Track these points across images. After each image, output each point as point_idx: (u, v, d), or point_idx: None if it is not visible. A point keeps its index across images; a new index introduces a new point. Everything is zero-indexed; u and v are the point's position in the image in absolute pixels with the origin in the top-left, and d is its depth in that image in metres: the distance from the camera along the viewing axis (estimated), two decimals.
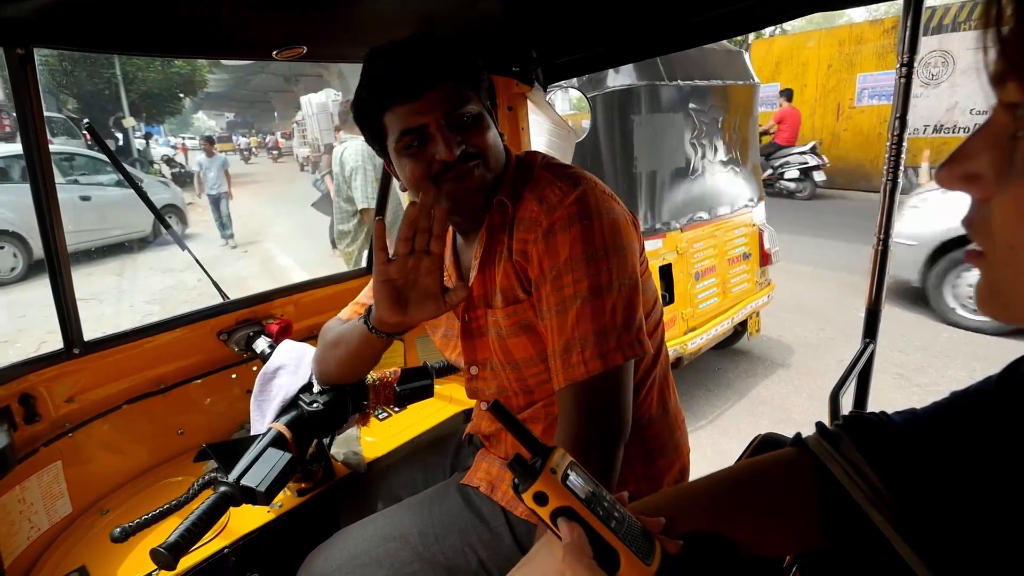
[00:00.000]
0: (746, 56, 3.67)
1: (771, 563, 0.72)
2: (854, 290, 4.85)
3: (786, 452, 0.60)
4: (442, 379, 1.35)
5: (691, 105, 3.12)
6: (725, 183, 3.41)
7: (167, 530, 0.84)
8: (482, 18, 1.21)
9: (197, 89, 22.56)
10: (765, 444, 0.91)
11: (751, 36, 11.22)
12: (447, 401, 1.61)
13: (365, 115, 0.88)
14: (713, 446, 2.78)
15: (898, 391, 3.27)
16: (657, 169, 3.04)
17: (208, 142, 9.54)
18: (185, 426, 1.41)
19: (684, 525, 0.55)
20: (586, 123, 3.10)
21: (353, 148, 3.58)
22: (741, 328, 3.59)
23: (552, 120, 1.60)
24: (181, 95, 21.86)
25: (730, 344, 3.85)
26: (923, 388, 3.28)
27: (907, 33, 1.00)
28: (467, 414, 1.57)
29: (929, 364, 3.58)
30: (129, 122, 15.97)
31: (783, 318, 4.40)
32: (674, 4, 1.17)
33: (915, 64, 1.02)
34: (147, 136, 21.04)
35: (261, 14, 0.99)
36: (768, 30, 11.14)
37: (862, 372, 1.16)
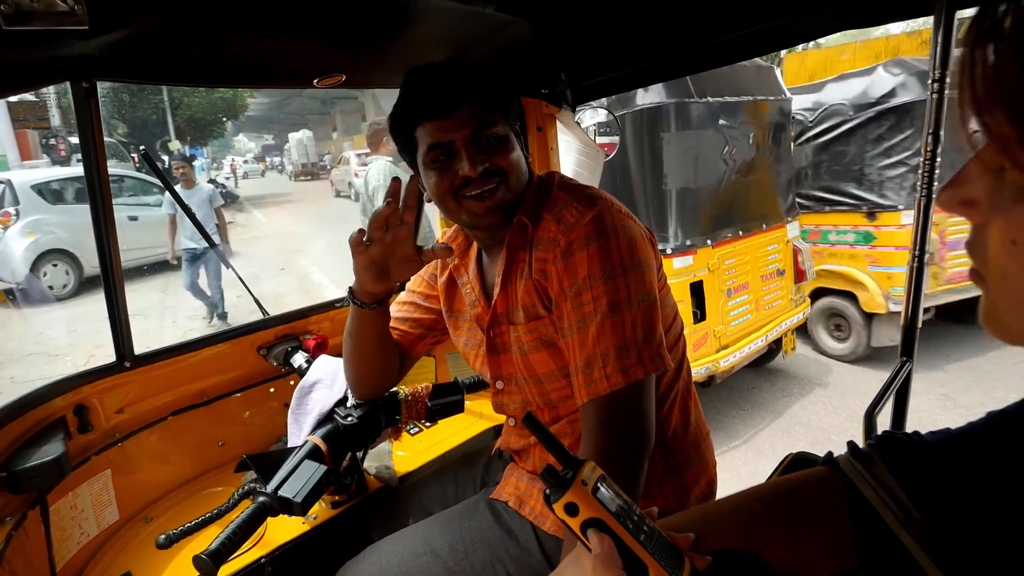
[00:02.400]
0: (777, 72, 3.66)
1: None
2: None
3: (817, 471, 0.60)
4: (472, 395, 1.37)
5: (721, 121, 3.11)
6: (757, 199, 3.38)
7: (208, 538, 0.87)
8: (513, 43, 1.25)
9: (239, 113, 23.46)
10: (796, 463, 0.90)
11: (784, 51, 11.08)
12: (477, 417, 1.63)
13: (399, 129, 0.94)
14: (747, 466, 2.72)
15: (942, 412, 3.15)
16: (687, 186, 3.03)
17: (186, 163, 5.86)
18: (226, 438, 1.46)
19: (713, 542, 0.55)
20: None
21: (377, 168, 3.64)
22: (776, 346, 3.53)
23: (580, 140, 1.63)
24: (224, 119, 22.75)
25: (765, 362, 3.78)
26: (969, 409, 3.15)
27: (938, 48, 0.99)
28: (497, 430, 1.58)
29: (975, 384, 3.44)
30: (175, 145, 16.71)
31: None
32: (700, 25, 1.19)
33: (947, 80, 1.01)
34: (191, 158, 21.91)
35: (304, 45, 1.05)
36: (801, 44, 10.99)
37: (899, 391, 1.13)
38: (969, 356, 3.78)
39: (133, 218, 8.71)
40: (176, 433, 1.37)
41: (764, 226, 3.36)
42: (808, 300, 3.67)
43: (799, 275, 3.51)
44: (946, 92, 1.02)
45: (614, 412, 0.81)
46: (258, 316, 1.54)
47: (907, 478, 0.52)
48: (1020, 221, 0.26)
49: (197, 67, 1.10)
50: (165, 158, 17.25)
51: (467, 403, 1.34)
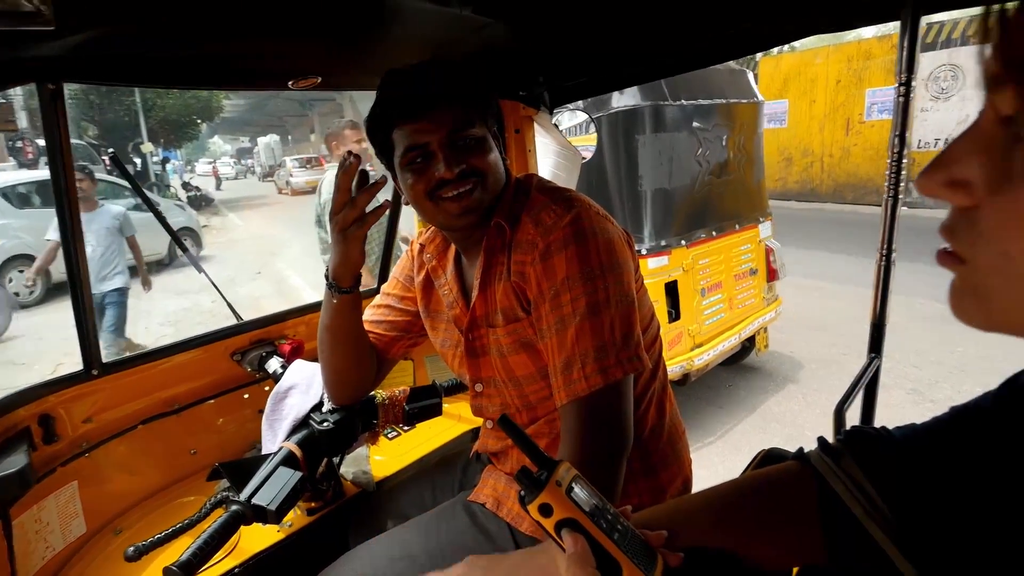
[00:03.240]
0: (750, 75, 3.73)
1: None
2: (864, 304, 4.80)
3: (788, 466, 0.61)
4: (451, 398, 1.36)
5: (695, 124, 3.17)
6: (730, 200, 3.45)
7: (180, 549, 0.85)
8: (490, 44, 1.24)
9: (214, 115, 23.07)
10: (769, 459, 0.91)
11: (759, 54, 11.29)
12: (456, 420, 1.62)
13: (376, 131, 0.94)
14: (724, 463, 2.75)
15: (912, 407, 3.23)
16: (662, 187, 3.08)
17: (87, 177, 4.04)
18: (198, 446, 1.43)
19: (686, 536, 0.55)
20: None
21: (330, 178, 3.20)
22: (749, 344, 3.60)
23: (558, 142, 1.63)
24: (198, 121, 22.36)
25: (739, 360, 3.85)
26: (937, 403, 3.23)
27: (904, 53, 1.01)
28: (475, 433, 1.57)
29: (943, 379, 3.53)
30: (147, 148, 16.34)
31: (794, 333, 4.36)
32: (676, 29, 1.20)
33: (913, 84, 1.03)
34: (164, 161, 21.52)
35: (279, 47, 1.04)
36: (776, 48, 11.22)
37: (868, 387, 1.15)
38: (937, 352, 3.87)
39: None
40: (146, 442, 1.34)
41: (737, 226, 3.43)
42: (780, 299, 3.74)
43: (771, 274, 3.60)
44: (912, 95, 1.04)
45: (593, 412, 0.81)
46: (232, 321, 1.51)
47: (875, 472, 0.53)
48: None
49: (168, 69, 1.08)
50: (137, 161, 16.93)
51: (445, 406, 1.33)
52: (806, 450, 0.62)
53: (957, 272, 0.31)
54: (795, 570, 0.76)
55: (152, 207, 1.51)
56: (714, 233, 3.28)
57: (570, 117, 3.16)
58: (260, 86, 1.28)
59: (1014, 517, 0.42)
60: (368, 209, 0.95)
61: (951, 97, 8.64)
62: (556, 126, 1.68)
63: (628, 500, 0.97)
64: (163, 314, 6.72)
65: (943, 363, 3.73)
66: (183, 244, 1.54)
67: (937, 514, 0.48)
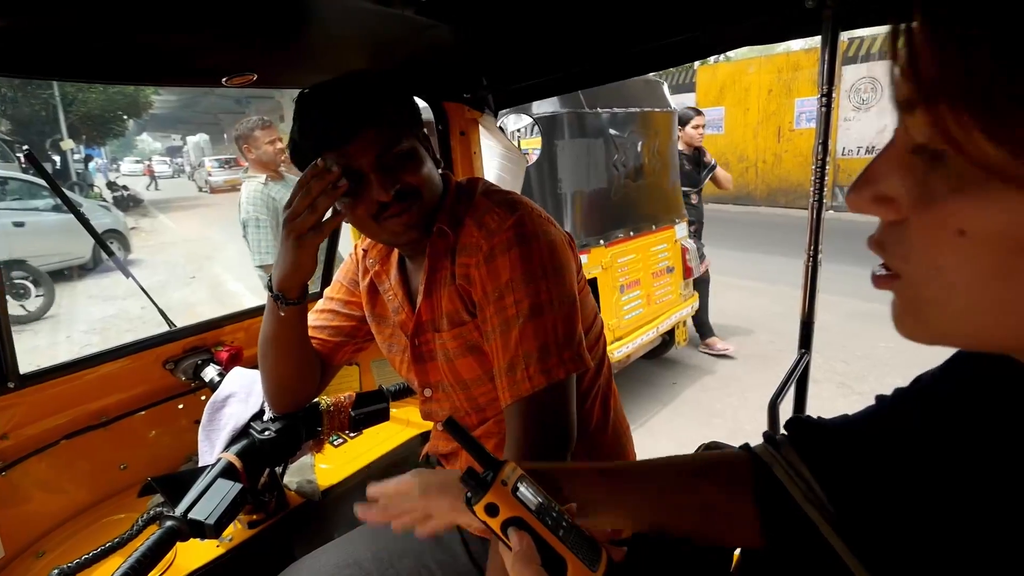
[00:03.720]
0: (664, 86, 4.01)
1: (715, 566, 0.75)
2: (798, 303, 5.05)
3: (729, 452, 0.64)
4: (398, 402, 1.34)
5: (611, 131, 3.38)
6: (646, 203, 3.69)
7: (110, 569, 0.81)
8: (432, 46, 1.24)
9: (142, 111, 21.87)
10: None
11: (696, 63, 11.72)
12: (404, 424, 1.60)
13: (301, 158, 0.90)
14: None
15: (842, 399, 3.43)
16: (580, 190, 3.25)
17: None
18: (128, 460, 1.36)
19: (629, 502, 0.59)
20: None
21: (247, 193, 2.78)
22: (669, 337, 3.86)
23: (503, 145, 1.64)
24: (124, 117, 21.14)
25: (660, 353, 4.09)
26: (864, 395, 3.44)
27: (825, 66, 1.08)
28: (424, 436, 1.56)
29: (869, 372, 3.76)
30: (67, 144, 15.31)
31: (733, 331, 4.55)
32: (618, 35, 1.23)
33: (834, 94, 1.10)
34: (87, 159, 20.26)
35: (212, 42, 1.00)
36: (712, 57, 11.67)
37: (800, 381, 1.22)
38: (862, 347, 4.12)
39: (19, 224, 7.94)
40: (70, 458, 1.26)
41: (654, 227, 3.65)
42: (696, 294, 4.01)
43: (687, 272, 3.86)
44: (833, 105, 1.11)
45: (537, 412, 0.82)
46: (164, 328, 1.44)
47: (812, 458, 0.56)
48: (969, 209, 0.26)
49: (89, 62, 1.01)
50: (57, 158, 15.84)
51: (393, 411, 1.31)
52: (744, 440, 0.65)
53: (894, 290, 0.31)
54: (735, 555, 0.79)
55: (72, 208, 1.42)
56: (631, 233, 3.48)
57: (515, 120, 3.21)
58: (192, 82, 1.22)
59: (936, 497, 0.45)
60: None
61: (871, 108, 9.23)
62: (501, 129, 1.69)
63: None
64: (88, 322, 6.32)
65: (868, 357, 3.97)
66: (107, 247, 1.45)
67: (869, 498, 0.51)
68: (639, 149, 3.56)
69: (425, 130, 0.94)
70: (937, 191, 0.27)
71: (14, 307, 6.33)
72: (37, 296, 6.80)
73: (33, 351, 5.39)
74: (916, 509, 0.47)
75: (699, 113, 4.15)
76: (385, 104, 0.87)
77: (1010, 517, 0.38)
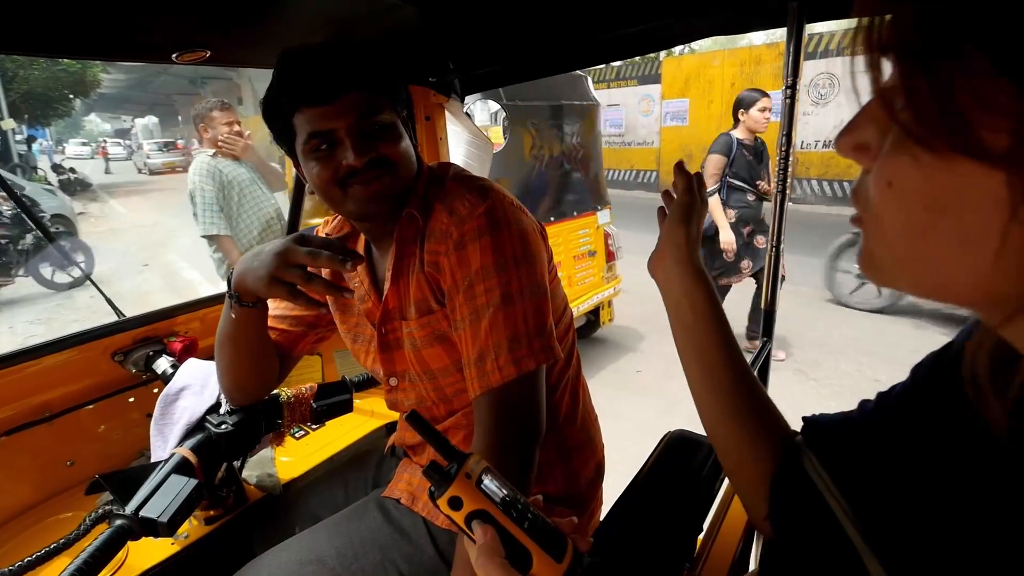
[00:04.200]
0: (588, 80, 4.15)
1: (676, 558, 0.75)
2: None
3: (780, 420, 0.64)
4: (362, 393, 1.31)
5: (531, 122, 3.54)
6: (566, 190, 3.87)
7: (55, 572, 0.77)
8: (398, 27, 1.21)
9: (89, 90, 20.83)
10: (675, 441, 0.96)
11: (663, 54, 11.82)
12: (368, 416, 1.58)
13: (274, 115, 0.87)
14: (635, 446, 2.88)
15: (797, 384, 3.54)
16: (498, 178, 3.35)
17: None
18: (76, 456, 1.29)
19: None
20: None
21: (195, 166, 2.80)
22: (594, 317, 4.10)
23: (469, 130, 1.62)
24: (70, 96, 20.08)
25: (587, 334, 4.29)
26: (819, 382, 3.56)
27: (790, 59, 1.09)
28: (389, 428, 1.54)
29: (823, 360, 3.89)
30: (8, 124, 14.47)
31: None
32: (586, 22, 1.22)
33: (798, 87, 1.11)
34: (30, 140, 19.21)
35: (161, 14, 0.94)
36: (678, 49, 11.80)
37: (762, 369, 1.24)
38: (818, 335, 4.26)
39: None
40: (10, 455, 1.19)
41: (575, 213, 3.83)
42: (620, 277, 4.18)
43: (610, 255, 4.05)
44: (797, 97, 1.13)
45: (506, 403, 0.81)
46: (114, 318, 1.38)
47: (825, 457, 0.55)
48: (897, 164, 0.28)
49: (28, 34, 0.94)
50: None
51: (356, 402, 1.29)
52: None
53: (861, 231, 0.33)
54: (699, 541, 0.80)
55: (11, 192, 1.34)
56: (552, 219, 3.64)
57: (482, 106, 3.19)
58: (140, 58, 1.16)
59: (938, 494, 0.45)
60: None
61: (829, 103, 9.50)
62: (468, 115, 1.66)
63: (543, 486, 0.99)
64: (32, 311, 6.02)
65: (824, 345, 4.10)
66: (50, 233, 1.37)
67: (881, 496, 0.50)
68: (560, 140, 3.79)
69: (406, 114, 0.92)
70: (890, 143, 0.28)
71: None
72: None
73: None
74: (924, 507, 0.46)
75: (765, 95, 3.42)
76: (372, 72, 0.84)
77: (999, 511, 0.38)
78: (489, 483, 0.48)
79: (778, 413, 0.63)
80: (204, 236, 2.74)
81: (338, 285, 0.87)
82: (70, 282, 6.52)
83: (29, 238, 6.09)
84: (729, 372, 0.64)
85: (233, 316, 0.93)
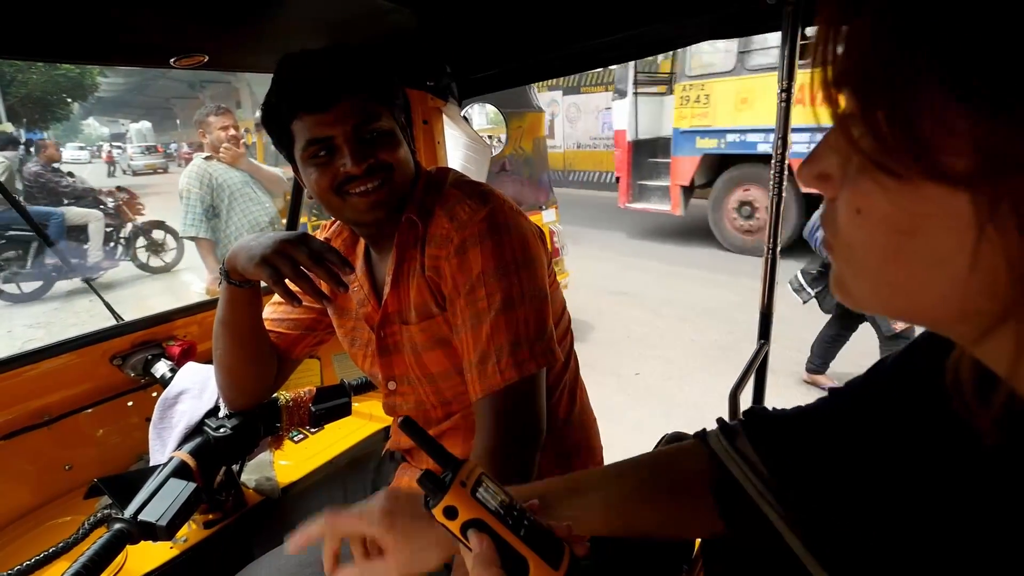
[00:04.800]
0: (532, 89, 4.45)
1: (674, 560, 0.76)
2: (753, 294, 5.19)
3: (686, 444, 0.65)
4: (360, 396, 1.32)
5: None
6: (510, 191, 4.08)
7: (54, 575, 0.77)
8: (395, 31, 1.21)
9: (87, 93, 20.85)
10: (672, 442, 0.96)
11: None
12: (366, 419, 1.58)
13: (273, 121, 0.88)
14: (636, 449, 2.88)
15: (796, 387, 3.54)
16: None
17: None
18: (74, 461, 1.29)
19: (591, 511, 0.59)
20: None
21: (189, 168, 2.91)
22: None
23: (467, 134, 1.62)
24: (68, 100, 20.10)
25: None
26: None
27: (785, 62, 1.10)
28: (387, 431, 1.54)
29: None
30: (6, 128, 14.47)
31: (695, 321, 4.65)
32: (584, 26, 1.23)
33: (793, 90, 1.12)
34: (28, 144, 19.21)
35: (159, 19, 0.94)
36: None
37: (759, 371, 1.25)
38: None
39: None
40: (9, 459, 1.19)
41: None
42: (568, 272, 4.44)
43: (553, 252, 4.20)
44: (792, 99, 1.13)
45: (507, 406, 0.82)
46: (112, 322, 1.38)
47: (768, 451, 0.57)
48: (863, 191, 0.28)
49: (27, 39, 0.94)
50: None
51: (355, 405, 1.29)
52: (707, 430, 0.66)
53: (832, 257, 0.34)
54: (697, 543, 0.81)
55: (8, 196, 1.34)
56: None
57: (479, 111, 3.19)
58: (138, 62, 1.16)
59: (883, 488, 0.46)
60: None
61: None
62: (466, 119, 1.66)
63: None
64: (31, 315, 6.01)
65: None
66: (47, 237, 1.37)
67: (821, 490, 0.52)
68: (505, 144, 4.01)
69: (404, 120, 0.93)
70: (850, 172, 0.29)
71: None
72: None
73: None
74: (865, 501, 0.47)
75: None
76: (371, 78, 0.85)
77: (948, 504, 0.39)
78: (484, 491, 0.48)
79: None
80: (184, 237, 2.87)
81: (320, 291, 0.90)
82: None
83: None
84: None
85: (224, 296, 0.96)
